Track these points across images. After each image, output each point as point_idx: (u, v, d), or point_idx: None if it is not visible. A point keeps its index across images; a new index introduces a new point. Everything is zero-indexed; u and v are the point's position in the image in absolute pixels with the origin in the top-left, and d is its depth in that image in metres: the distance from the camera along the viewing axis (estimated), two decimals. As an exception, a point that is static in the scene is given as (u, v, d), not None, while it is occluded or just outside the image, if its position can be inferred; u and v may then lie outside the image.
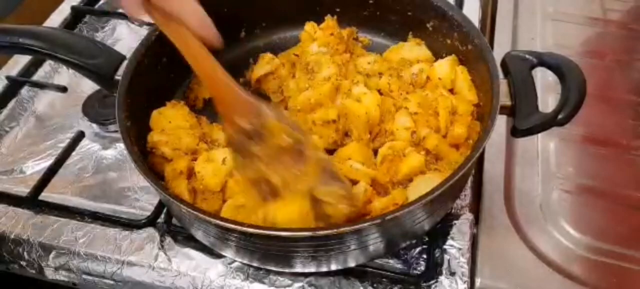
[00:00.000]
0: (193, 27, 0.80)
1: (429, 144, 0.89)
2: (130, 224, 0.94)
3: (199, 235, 0.84)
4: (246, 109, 0.78)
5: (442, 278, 0.86)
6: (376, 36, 1.15)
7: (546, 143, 1.06)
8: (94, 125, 1.11)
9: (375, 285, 0.86)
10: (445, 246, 0.89)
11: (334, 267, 0.82)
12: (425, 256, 0.88)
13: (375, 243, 0.78)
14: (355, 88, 0.97)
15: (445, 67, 0.98)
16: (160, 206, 0.96)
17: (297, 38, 1.13)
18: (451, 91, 0.98)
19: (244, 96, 0.79)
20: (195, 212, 0.74)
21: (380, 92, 0.99)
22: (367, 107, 0.94)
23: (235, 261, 0.88)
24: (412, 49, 1.06)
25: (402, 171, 0.87)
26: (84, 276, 0.92)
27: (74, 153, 1.06)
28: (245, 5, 1.10)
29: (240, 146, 0.78)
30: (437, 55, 1.04)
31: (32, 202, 0.98)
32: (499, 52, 1.00)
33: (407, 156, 0.88)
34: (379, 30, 1.14)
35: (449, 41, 1.01)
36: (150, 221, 0.94)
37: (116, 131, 1.07)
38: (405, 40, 1.09)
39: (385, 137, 0.94)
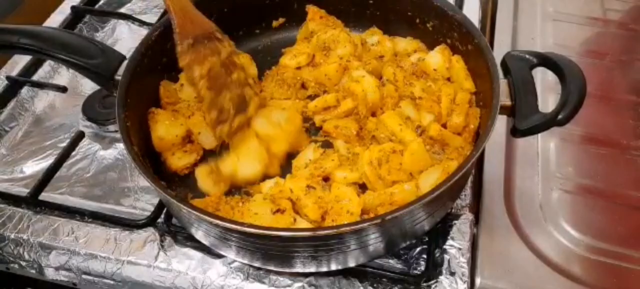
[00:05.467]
0: None
1: (433, 131, 0.91)
2: (130, 224, 0.94)
3: (199, 235, 0.84)
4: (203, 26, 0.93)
5: (442, 278, 0.86)
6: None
7: (546, 143, 1.06)
8: (94, 125, 1.11)
9: (375, 285, 0.86)
10: (445, 246, 0.89)
11: (334, 267, 0.82)
12: (425, 256, 0.88)
13: (375, 243, 0.78)
14: (355, 72, 0.99)
15: (437, 57, 1.00)
16: (160, 206, 0.96)
17: (296, 38, 1.12)
18: (448, 80, 0.99)
19: (201, 16, 0.94)
20: (195, 212, 0.74)
21: (382, 81, 1.01)
22: (364, 87, 0.96)
23: (235, 261, 0.88)
24: (400, 41, 1.08)
25: (406, 162, 0.87)
26: (84, 276, 0.92)
27: (74, 153, 1.06)
28: (245, 5, 1.10)
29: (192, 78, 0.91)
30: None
31: (32, 202, 0.98)
32: (499, 52, 1.00)
33: (408, 145, 0.88)
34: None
35: (449, 41, 1.01)
36: (150, 221, 0.94)
37: (116, 131, 1.07)
38: (406, 41, 1.09)
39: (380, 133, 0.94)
